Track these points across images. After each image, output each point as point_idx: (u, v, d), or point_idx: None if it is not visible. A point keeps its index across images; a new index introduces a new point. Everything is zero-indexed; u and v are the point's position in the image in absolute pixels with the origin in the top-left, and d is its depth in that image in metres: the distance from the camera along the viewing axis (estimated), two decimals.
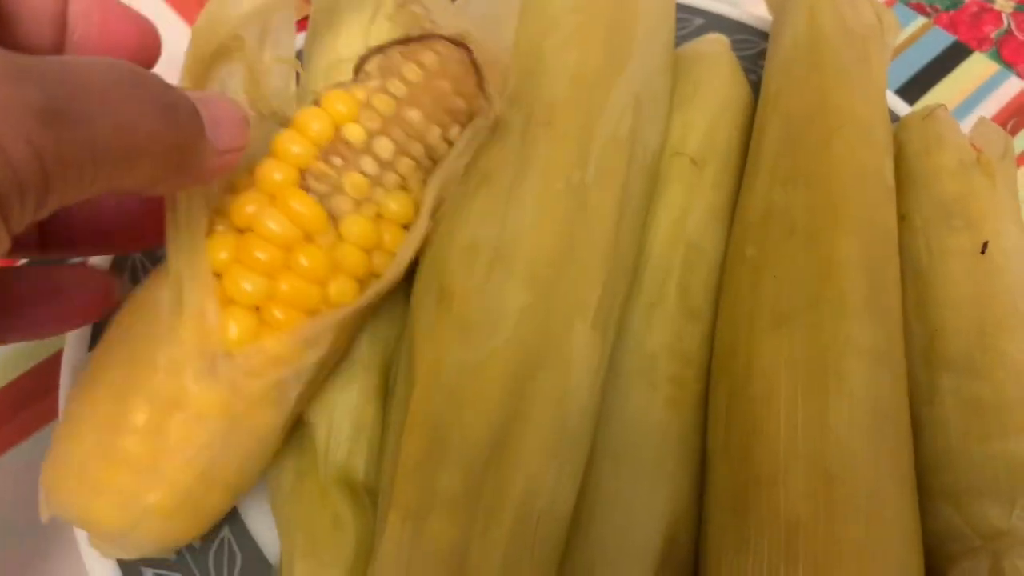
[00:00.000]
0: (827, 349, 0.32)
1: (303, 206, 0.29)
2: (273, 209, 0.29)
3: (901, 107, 0.46)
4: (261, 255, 0.28)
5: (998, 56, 0.61)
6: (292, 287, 0.29)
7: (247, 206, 0.29)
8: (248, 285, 0.28)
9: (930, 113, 0.42)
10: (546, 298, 0.31)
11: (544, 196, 0.33)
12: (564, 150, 0.34)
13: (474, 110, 0.33)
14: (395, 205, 0.31)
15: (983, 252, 0.37)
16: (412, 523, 0.28)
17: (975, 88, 0.59)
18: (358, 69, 0.32)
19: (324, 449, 0.34)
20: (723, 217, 0.40)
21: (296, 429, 0.35)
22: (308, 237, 0.29)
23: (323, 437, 0.35)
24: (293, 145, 0.30)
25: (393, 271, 0.32)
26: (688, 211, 0.39)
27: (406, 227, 0.32)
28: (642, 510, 0.32)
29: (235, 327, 0.28)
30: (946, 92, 0.59)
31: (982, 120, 0.42)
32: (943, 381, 0.34)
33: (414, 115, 0.31)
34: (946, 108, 0.42)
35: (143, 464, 0.28)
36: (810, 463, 0.30)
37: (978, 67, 0.60)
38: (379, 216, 0.31)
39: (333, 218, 0.30)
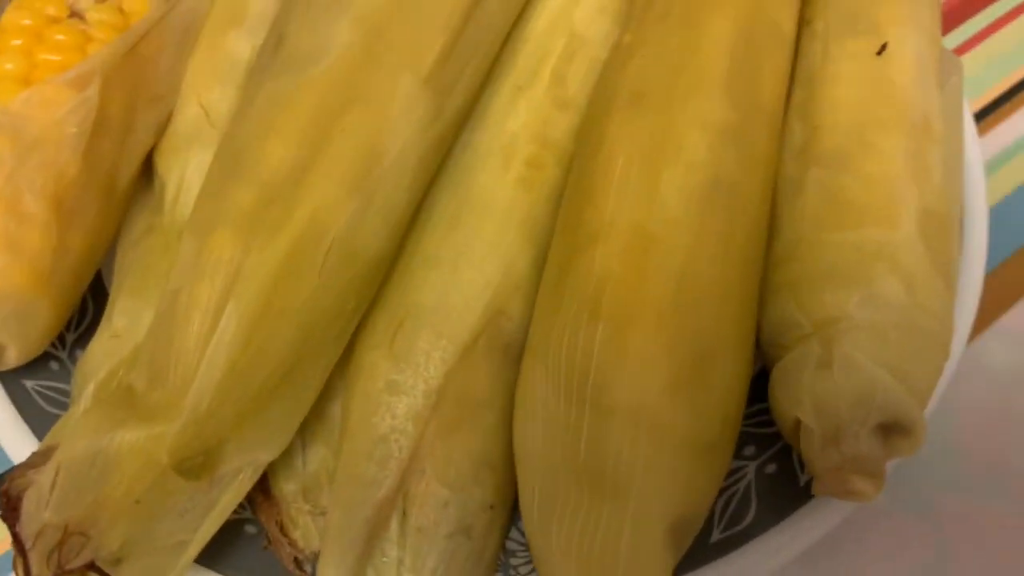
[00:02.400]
0: (673, 123, 0.31)
1: (45, 2, 0.35)
2: (20, 9, 0.34)
3: None
4: (16, 42, 0.34)
5: None
6: (51, 53, 0.34)
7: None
8: (9, 65, 0.33)
9: None
10: (372, 41, 0.30)
11: None
12: None
13: None
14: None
15: (879, 54, 0.34)
16: (198, 238, 0.28)
17: None
18: None
19: (172, 204, 0.34)
20: (619, 15, 0.38)
21: (152, 187, 0.36)
22: (56, 21, 0.35)
23: (172, 192, 0.34)
24: None
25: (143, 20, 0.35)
26: (577, 1, 0.37)
27: None
28: (467, 275, 0.31)
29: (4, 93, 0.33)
30: None
31: None
32: (811, 174, 0.32)
33: None
34: None
35: None
36: (633, 225, 0.29)
37: None
38: (121, 10, 0.36)
39: (79, 16, 0.35)
